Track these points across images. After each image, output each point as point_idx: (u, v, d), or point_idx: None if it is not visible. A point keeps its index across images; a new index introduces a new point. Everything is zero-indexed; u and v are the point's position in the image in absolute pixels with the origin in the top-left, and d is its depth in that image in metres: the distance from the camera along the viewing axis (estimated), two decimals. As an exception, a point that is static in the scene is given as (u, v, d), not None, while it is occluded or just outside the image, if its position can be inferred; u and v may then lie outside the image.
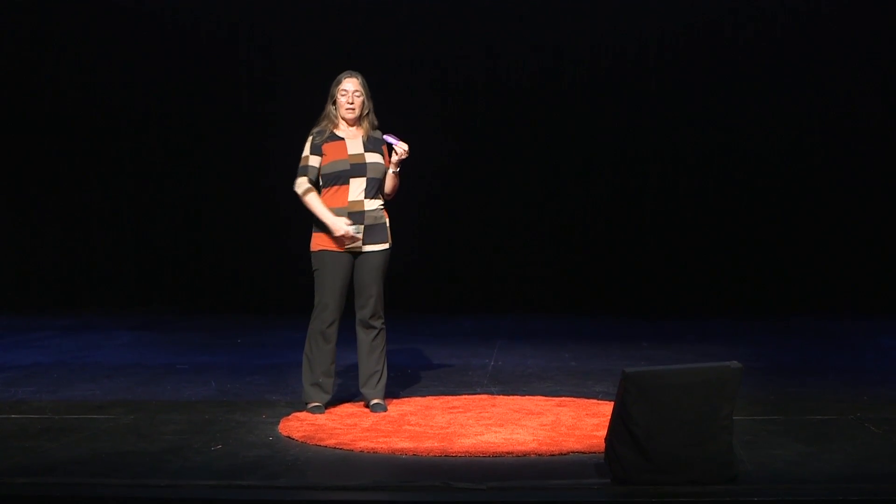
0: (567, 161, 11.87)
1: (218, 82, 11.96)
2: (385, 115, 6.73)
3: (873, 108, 11.65)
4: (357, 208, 6.51)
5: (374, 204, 6.56)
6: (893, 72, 11.60)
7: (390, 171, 6.58)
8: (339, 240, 6.48)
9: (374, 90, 6.67)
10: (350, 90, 6.57)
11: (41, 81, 12.06)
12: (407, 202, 7.24)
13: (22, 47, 12.06)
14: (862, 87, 11.64)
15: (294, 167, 6.62)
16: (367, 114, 6.62)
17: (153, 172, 12.07)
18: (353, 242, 6.46)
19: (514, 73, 11.96)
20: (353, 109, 6.56)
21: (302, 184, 6.54)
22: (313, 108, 6.73)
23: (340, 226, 6.43)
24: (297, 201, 6.69)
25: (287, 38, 11.90)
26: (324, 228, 6.51)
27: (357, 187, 6.52)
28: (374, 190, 6.55)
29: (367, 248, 6.54)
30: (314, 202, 6.50)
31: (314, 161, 6.55)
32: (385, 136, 6.59)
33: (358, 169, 6.52)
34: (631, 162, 11.87)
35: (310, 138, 6.61)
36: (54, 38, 12.02)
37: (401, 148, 6.52)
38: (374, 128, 6.66)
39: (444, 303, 11.63)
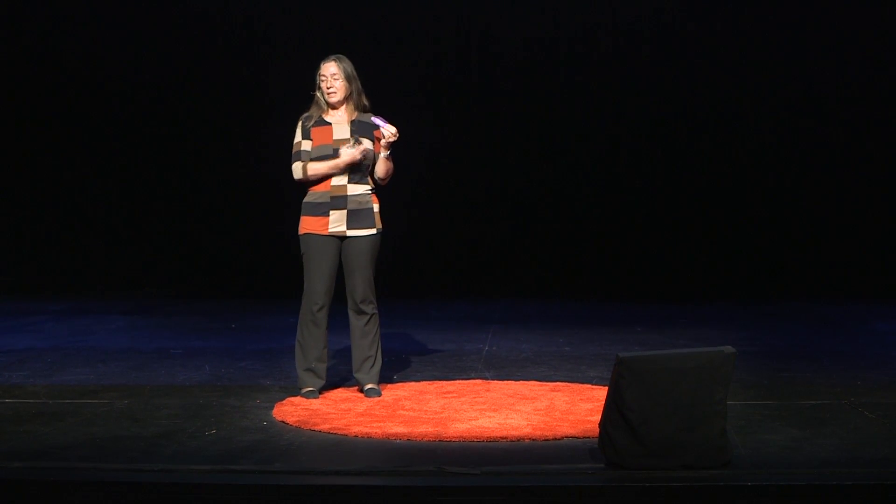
0: (560, 145, 11.84)
1: (210, 65, 11.91)
2: (375, 98, 6.71)
3: (869, 92, 11.63)
4: (340, 192, 6.50)
5: (360, 189, 6.55)
6: (890, 56, 11.58)
7: (381, 154, 6.57)
8: (325, 224, 6.47)
9: (363, 75, 6.64)
10: (328, 74, 6.56)
11: (33, 67, 12.00)
12: (399, 187, 7.22)
13: (13, 34, 12.00)
14: (858, 70, 11.61)
15: (287, 153, 6.61)
16: (351, 95, 6.59)
17: (146, 156, 12.02)
18: (360, 150, 6.43)
19: (503, 56, 11.90)
20: (334, 93, 6.55)
21: (297, 168, 6.55)
22: (307, 91, 6.71)
23: (346, 155, 6.43)
24: (293, 186, 6.69)
25: (282, 22, 11.85)
26: (309, 212, 6.51)
27: (341, 172, 6.50)
28: (358, 175, 6.53)
29: (353, 232, 6.52)
30: (316, 167, 6.49)
31: (307, 145, 6.56)
32: (374, 119, 6.57)
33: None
34: (624, 146, 11.84)
35: (299, 123, 6.62)
36: (46, 23, 11.96)
37: (388, 131, 6.50)
38: (363, 110, 6.63)
39: (438, 287, 11.61)
